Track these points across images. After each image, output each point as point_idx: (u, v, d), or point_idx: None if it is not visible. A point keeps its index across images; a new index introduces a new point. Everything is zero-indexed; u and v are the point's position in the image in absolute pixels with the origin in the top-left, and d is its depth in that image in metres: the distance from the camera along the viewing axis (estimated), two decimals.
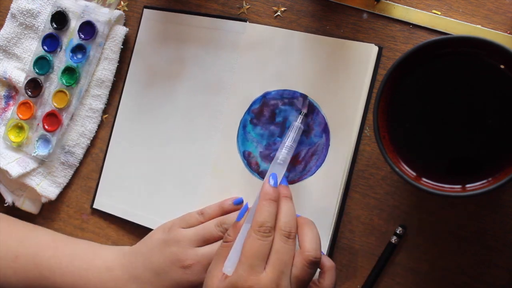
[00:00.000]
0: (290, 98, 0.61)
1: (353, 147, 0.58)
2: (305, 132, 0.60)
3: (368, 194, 0.58)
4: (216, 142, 0.63)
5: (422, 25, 0.57)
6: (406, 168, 0.50)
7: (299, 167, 0.60)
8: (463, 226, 0.56)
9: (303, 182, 0.59)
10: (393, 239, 0.56)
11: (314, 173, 0.59)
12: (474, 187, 0.48)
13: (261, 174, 0.61)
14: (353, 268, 0.59)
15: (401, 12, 0.58)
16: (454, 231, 0.56)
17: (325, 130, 0.59)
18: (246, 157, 0.62)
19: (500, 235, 0.55)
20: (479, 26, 0.56)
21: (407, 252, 0.57)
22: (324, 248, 0.58)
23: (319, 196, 0.58)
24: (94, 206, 0.68)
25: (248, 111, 0.62)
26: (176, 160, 0.65)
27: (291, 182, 0.60)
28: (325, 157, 0.59)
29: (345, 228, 0.59)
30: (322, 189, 0.58)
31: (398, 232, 0.56)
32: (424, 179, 0.50)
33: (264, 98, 0.62)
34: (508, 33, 0.55)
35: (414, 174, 0.50)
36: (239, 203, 0.60)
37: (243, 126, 0.62)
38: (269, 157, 0.61)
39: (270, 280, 0.49)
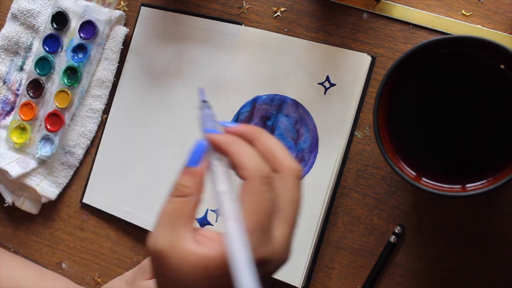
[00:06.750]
0: (280, 103, 0.61)
1: (341, 156, 0.58)
2: (294, 138, 0.60)
3: (368, 194, 0.58)
4: None
5: (422, 25, 0.57)
6: (406, 168, 0.50)
7: None
8: (463, 226, 0.56)
9: None
10: (392, 238, 0.56)
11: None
12: (474, 187, 0.48)
13: None
14: (353, 268, 0.59)
15: (401, 12, 0.58)
16: (454, 231, 0.56)
17: (314, 137, 0.59)
18: None
19: (500, 235, 0.55)
20: (479, 26, 0.56)
21: (407, 252, 0.57)
22: (308, 253, 0.58)
23: (305, 203, 0.58)
24: (84, 201, 0.68)
25: (237, 114, 0.62)
26: (167, 160, 0.65)
27: None
28: (313, 164, 0.59)
29: (345, 228, 0.59)
30: (308, 196, 0.58)
31: (396, 231, 0.56)
32: (424, 179, 0.50)
33: (255, 102, 0.62)
34: (508, 33, 0.55)
35: (414, 174, 0.50)
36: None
37: None
38: None
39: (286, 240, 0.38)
